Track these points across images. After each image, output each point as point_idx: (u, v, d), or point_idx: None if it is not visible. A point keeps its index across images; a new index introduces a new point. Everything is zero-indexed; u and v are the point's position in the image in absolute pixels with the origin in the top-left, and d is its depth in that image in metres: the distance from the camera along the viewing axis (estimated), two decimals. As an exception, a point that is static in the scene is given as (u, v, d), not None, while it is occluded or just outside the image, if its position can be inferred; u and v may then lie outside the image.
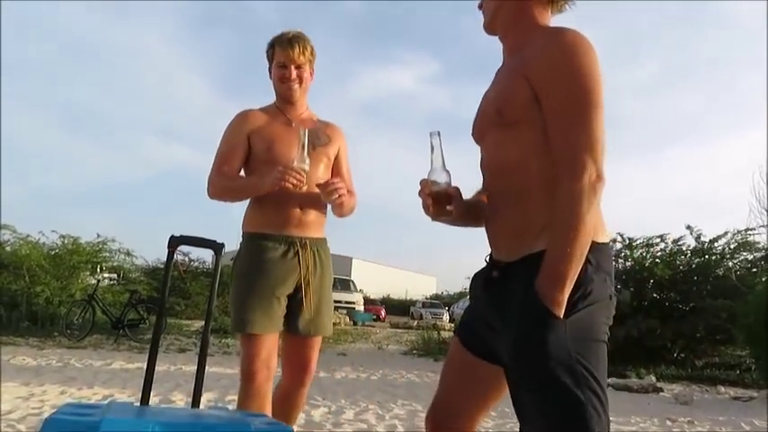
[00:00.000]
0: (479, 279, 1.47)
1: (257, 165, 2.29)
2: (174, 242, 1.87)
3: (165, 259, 1.95)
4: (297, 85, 2.32)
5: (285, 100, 2.36)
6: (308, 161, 2.12)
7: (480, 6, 1.53)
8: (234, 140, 2.32)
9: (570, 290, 1.19)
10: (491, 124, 1.41)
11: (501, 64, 1.50)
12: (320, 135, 2.36)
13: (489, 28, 1.50)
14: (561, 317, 1.17)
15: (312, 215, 2.29)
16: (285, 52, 2.28)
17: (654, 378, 8.14)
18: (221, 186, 2.28)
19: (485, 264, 1.46)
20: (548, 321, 1.18)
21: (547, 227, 1.25)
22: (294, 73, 2.30)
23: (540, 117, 1.28)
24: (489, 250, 1.45)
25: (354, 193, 2.45)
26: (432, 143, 1.49)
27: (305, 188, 2.13)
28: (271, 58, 2.34)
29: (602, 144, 1.23)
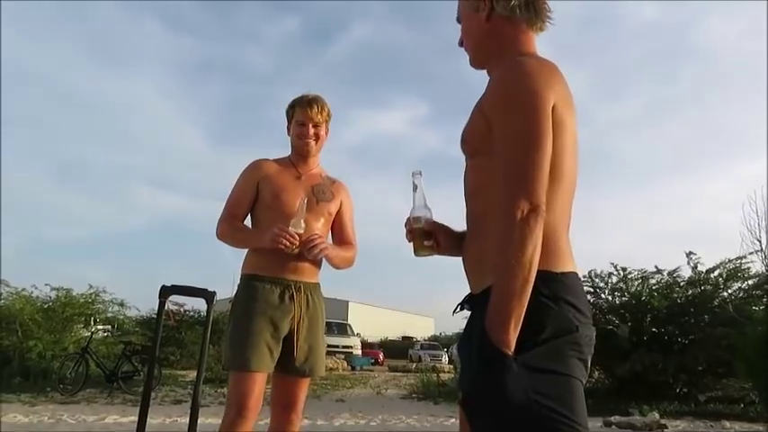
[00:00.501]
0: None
1: (263, 211, 2.47)
2: (166, 292, 1.88)
3: (157, 311, 1.94)
4: (313, 143, 2.52)
5: (300, 155, 2.55)
6: (302, 225, 2.28)
7: (461, 44, 1.55)
8: (245, 186, 2.51)
9: (518, 326, 1.13)
10: (463, 154, 1.44)
11: None
12: (324, 191, 2.54)
13: (476, 62, 1.52)
14: (510, 355, 1.12)
15: (307, 261, 2.41)
16: (304, 111, 2.48)
17: (657, 415, 8.01)
18: (228, 231, 2.45)
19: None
20: (497, 362, 1.12)
21: None
22: (312, 131, 2.50)
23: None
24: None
25: (354, 245, 2.63)
26: (414, 182, 1.56)
27: (296, 250, 2.28)
28: (290, 116, 2.55)
29: (543, 175, 1.19)
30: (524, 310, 1.14)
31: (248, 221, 2.55)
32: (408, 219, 1.56)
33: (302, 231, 2.27)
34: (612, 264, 10.83)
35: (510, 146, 1.22)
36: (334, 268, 2.55)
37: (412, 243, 1.55)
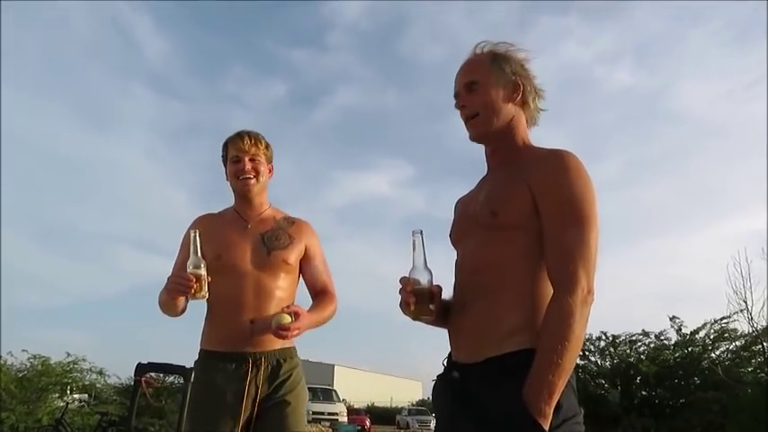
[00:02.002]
0: (441, 385, 1.42)
1: (211, 274, 1.97)
2: (142, 370, 1.82)
3: (132, 388, 1.88)
4: (253, 179, 2.14)
5: (242, 197, 2.19)
6: (202, 264, 1.88)
7: (463, 106, 1.51)
8: (184, 251, 2.13)
9: (556, 402, 1.16)
10: (478, 226, 1.41)
11: (486, 173, 1.55)
12: (279, 236, 2.14)
13: (481, 137, 1.52)
14: (547, 430, 1.14)
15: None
16: (236, 145, 2.15)
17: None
18: (159, 302, 2.06)
19: (443, 366, 1.42)
20: None
21: (516, 330, 1.25)
22: (249, 165, 2.14)
23: (537, 224, 1.31)
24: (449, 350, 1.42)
25: (332, 293, 2.23)
26: (414, 241, 1.47)
27: (201, 296, 1.89)
28: (225, 158, 2.21)
29: (595, 261, 1.26)
30: (564, 387, 1.18)
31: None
32: (407, 279, 1.45)
33: (203, 272, 1.87)
34: (603, 332, 10.81)
35: (573, 229, 1.27)
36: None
37: (412, 306, 1.43)
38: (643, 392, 10.19)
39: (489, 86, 1.46)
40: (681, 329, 10.33)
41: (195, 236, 1.90)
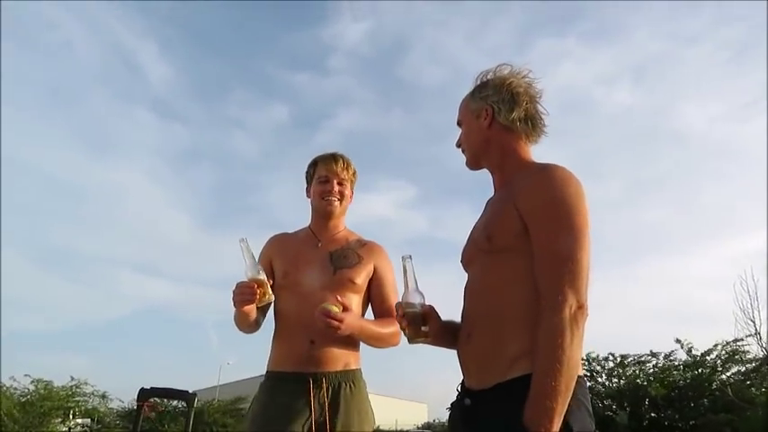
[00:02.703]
0: (456, 411, 1.40)
1: (278, 291, 2.02)
2: (144, 396, 1.79)
3: (135, 413, 1.85)
4: (337, 201, 2.15)
5: (323, 217, 2.18)
6: (260, 269, 1.86)
7: (458, 145, 1.59)
8: (261, 263, 2.10)
9: (559, 426, 1.12)
10: (480, 251, 1.42)
11: (492, 195, 1.55)
12: (347, 255, 2.11)
13: (473, 164, 1.56)
14: None
15: (329, 347, 2.00)
16: (328, 166, 2.16)
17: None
18: (234, 318, 2.05)
19: (456, 392, 1.40)
20: None
21: (521, 355, 1.23)
22: (336, 188, 2.15)
23: (529, 246, 1.29)
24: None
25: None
26: (404, 266, 1.50)
27: (267, 299, 1.86)
28: (311, 176, 2.22)
29: (586, 276, 1.22)
30: (565, 409, 1.13)
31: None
32: (399, 304, 1.50)
33: (262, 277, 1.85)
34: (611, 353, 10.70)
35: (558, 246, 1.24)
36: (371, 346, 2.07)
37: (406, 329, 1.48)
38: (652, 414, 10.05)
39: (468, 120, 1.55)
40: (691, 351, 10.22)
41: (244, 245, 1.88)
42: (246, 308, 1.90)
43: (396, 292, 2.17)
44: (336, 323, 1.81)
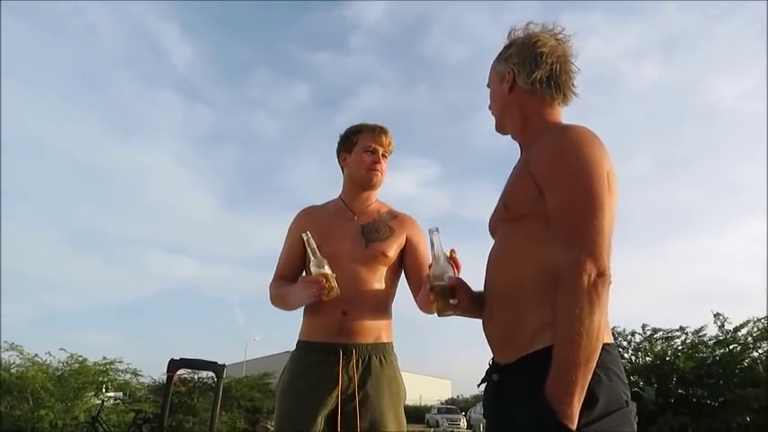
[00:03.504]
0: (488, 388, 1.39)
1: (310, 266, 2.02)
2: (174, 366, 1.81)
3: (165, 384, 1.87)
4: (380, 173, 2.14)
5: (362, 187, 2.17)
6: (325, 264, 1.85)
7: (490, 108, 1.57)
8: (290, 242, 2.16)
9: (581, 399, 1.09)
10: (500, 219, 1.41)
11: (518, 161, 1.52)
12: (378, 228, 2.10)
13: (500, 128, 1.55)
14: (574, 430, 1.07)
15: (360, 318, 1.99)
16: (378, 138, 2.14)
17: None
18: (273, 294, 2.09)
19: (488, 366, 1.39)
20: None
21: (542, 327, 1.20)
22: (383, 161, 2.15)
23: (545, 212, 1.25)
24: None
25: None
26: (431, 239, 1.50)
27: (334, 293, 1.85)
28: (350, 144, 2.18)
29: (606, 241, 1.17)
30: (588, 382, 1.10)
31: None
32: (428, 276, 1.49)
33: (327, 270, 1.84)
34: (644, 325, 10.54)
35: (573, 211, 1.20)
36: (425, 312, 1.96)
37: (435, 302, 1.46)
38: (680, 391, 9.95)
39: (494, 84, 1.54)
40: (723, 326, 10.04)
41: (308, 238, 1.90)
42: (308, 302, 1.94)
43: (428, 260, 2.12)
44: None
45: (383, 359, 2.01)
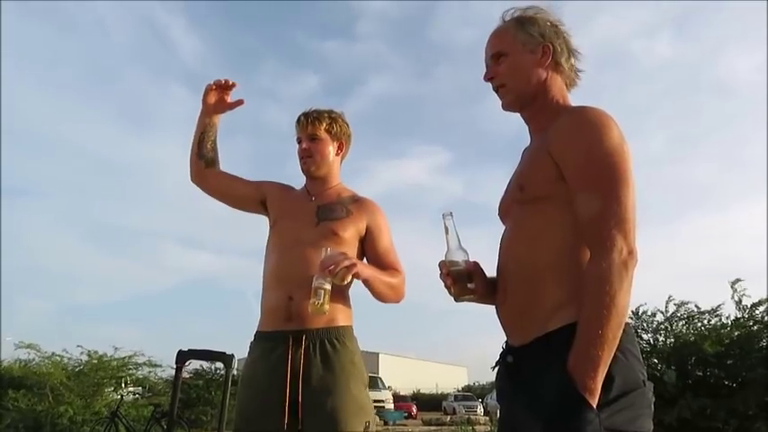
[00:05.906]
0: (501, 371, 1.38)
1: (270, 236, 2.12)
2: (182, 357, 1.79)
3: (174, 375, 1.86)
4: (309, 159, 2.11)
5: (306, 176, 2.18)
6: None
7: (489, 79, 1.47)
8: (252, 181, 2.23)
9: (603, 375, 1.09)
10: (514, 201, 1.39)
11: (528, 144, 1.49)
12: (333, 209, 2.05)
13: (514, 105, 1.47)
14: (593, 407, 1.07)
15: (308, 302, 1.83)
16: (299, 127, 2.15)
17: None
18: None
19: (502, 349, 1.38)
20: (580, 411, 1.07)
21: (557, 308, 1.20)
22: (309, 146, 2.11)
23: (565, 193, 1.25)
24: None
25: (399, 271, 2.07)
26: (445, 224, 1.48)
27: (318, 310, 1.75)
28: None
29: (633, 220, 1.18)
30: (611, 359, 1.11)
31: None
32: (443, 262, 1.45)
33: (328, 287, 1.73)
34: (671, 299, 10.39)
35: (601, 189, 1.20)
36: (379, 300, 1.98)
37: (452, 288, 1.43)
38: (698, 373, 9.87)
39: (516, 54, 1.42)
40: (741, 301, 9.90)
41: (325, 252, 1.80)
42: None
43: (392, 246, 2.13)
44: (349, 261, 1.74)
45: (336, 342, 1.90)
